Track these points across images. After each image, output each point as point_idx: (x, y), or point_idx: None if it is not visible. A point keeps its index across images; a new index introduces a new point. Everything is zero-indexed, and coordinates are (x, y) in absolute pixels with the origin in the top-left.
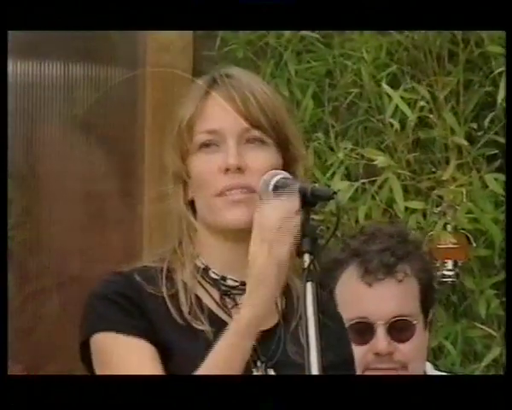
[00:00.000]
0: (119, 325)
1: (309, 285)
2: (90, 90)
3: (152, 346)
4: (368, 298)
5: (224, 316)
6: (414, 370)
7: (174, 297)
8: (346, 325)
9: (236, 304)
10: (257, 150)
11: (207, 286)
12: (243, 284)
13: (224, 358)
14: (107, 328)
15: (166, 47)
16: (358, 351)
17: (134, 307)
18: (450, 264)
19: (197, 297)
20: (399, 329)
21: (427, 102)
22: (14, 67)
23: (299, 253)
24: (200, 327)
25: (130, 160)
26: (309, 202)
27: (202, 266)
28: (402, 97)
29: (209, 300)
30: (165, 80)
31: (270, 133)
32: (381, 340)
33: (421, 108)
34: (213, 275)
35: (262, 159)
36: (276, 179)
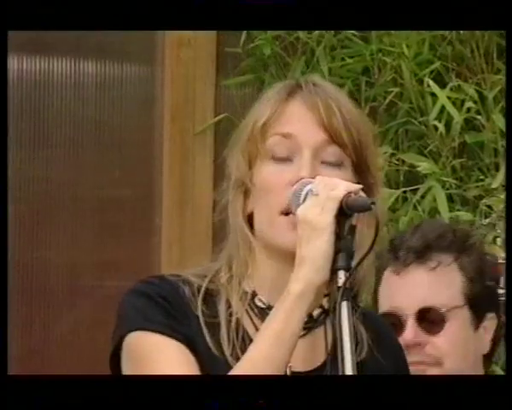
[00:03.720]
0: (159, 326)
1: (344, 304)
2: (102, 89)
3: (191, 354)
4: (396, 287)
5: None
6: (450, 368)
7: (214, 327)
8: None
9: None
10: (332, 171)
11: (253, 315)
12: None
13: (275, 331)
14: (147, 327)
15: (187, 42)
16: None
17: (176, 312)
18: (501, 281)
19: (242, 329)
20: (429, 320)
21: (475, 103)
22: (20, 65)
23: (333, 270)
24: None
25: (147, 165)
26: (344, 213)
27: (250, 291)
28: (447, 97)
29: (254, 332)
30: (185, 78)
31: (349, 152)
32: (407, 330)
33: (468, 109)
34: (260, 303)
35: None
36: (307, 189)
